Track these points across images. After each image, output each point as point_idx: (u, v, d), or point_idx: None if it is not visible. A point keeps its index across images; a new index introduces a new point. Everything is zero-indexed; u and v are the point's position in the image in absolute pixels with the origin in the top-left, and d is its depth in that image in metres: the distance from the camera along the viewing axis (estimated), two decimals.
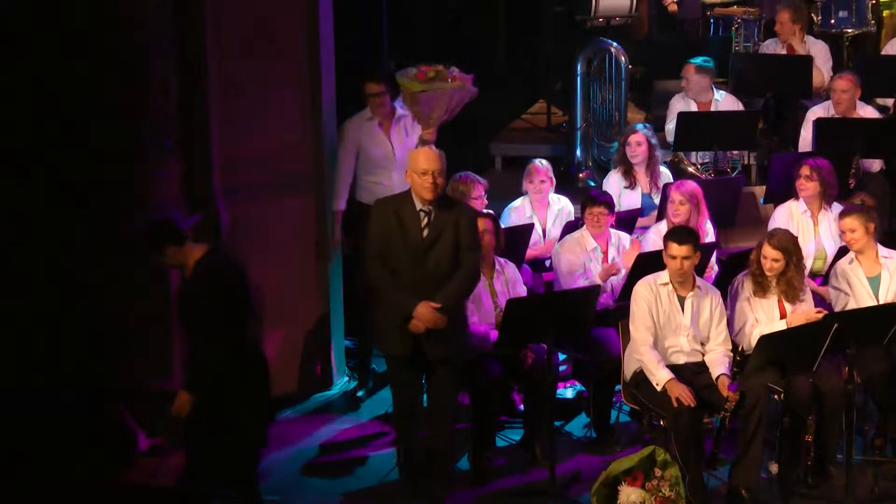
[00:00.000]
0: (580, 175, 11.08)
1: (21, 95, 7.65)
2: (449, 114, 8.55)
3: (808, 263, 8.58)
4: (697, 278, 7.80)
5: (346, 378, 9.36)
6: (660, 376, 7.53)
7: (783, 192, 9.14)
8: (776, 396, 7.55)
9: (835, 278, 8.12)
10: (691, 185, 8.70)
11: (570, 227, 9.02)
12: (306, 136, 8.91)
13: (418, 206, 7.25)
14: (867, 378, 7.79)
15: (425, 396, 7.57)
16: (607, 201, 8.62)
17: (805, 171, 8.84)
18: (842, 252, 8.44)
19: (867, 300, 7.96)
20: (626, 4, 11.39)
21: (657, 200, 9.33)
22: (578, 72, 11.04)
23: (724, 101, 10.50)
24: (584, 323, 7.81)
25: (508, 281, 8.23)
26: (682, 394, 7.41)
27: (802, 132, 10.19)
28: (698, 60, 10.41)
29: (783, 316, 7.83)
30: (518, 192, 9.44)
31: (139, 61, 7.88)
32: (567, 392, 8.98)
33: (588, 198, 8.67)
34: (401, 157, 8.80)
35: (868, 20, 11.69)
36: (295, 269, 8.90)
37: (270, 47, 8.64)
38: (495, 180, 10.58)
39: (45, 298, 7.75)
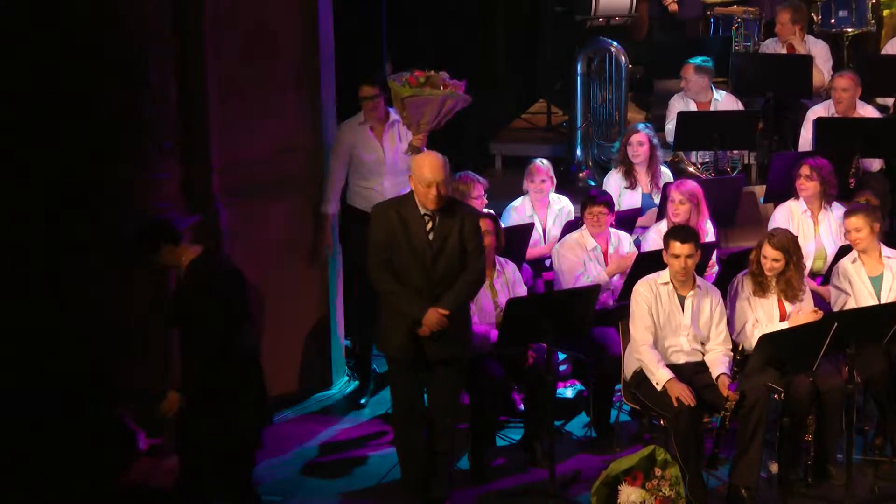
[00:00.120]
0: (580, 175, 11.08)
1: (21, 95, 7.65)
2: (439, 121, 8.44)
3: (808, 263, 8.59)
4: (697, 278, 7.80)
5: (347, 378, 9.36)
6: (660, 376, 7.54)
7: (783, 191, 9.14)
8: (776, 396, 7.54)
9: (836, 277, 8.11)
10: (691, 184, 8.70)
11: (570, 227, 9.02)
12: (306, 137, 8.91)
13: (422, 210, 7.24)
14: (867, 378, 7.79)
15: (425, 396, 7.57)
16: (607, 201, 8.62)
17: (805, 170, 8.84)
18: (842, 251, 8.44)
19: (868, 300, 7.96)
20: (626, 4, 11.37)
21: (657, 200, 9.33)
22: (578, 71, 11.03)
23: (723, 100, 10.51)
24: (583, 323, 7.81)
25: (508, 281, 8.23)
26: (683, 393, 7.41)
27: (802, 132, 10.20)
28: (697, 60, 10.42)
29: (783, 315, 7.83)
30: (518, 192, 9.45)
31: (139, 62, 7.88)
32: (567, 392, 8.99)
33: (588, 197, 8.67)
34: (392, 162, 8.76)
35: (868, 20, 11.70)
36: (294, 270, 8.90)
37: (270, 49, 8.65)
38: (495, 180, 10.60)
39: (45, 299, 7.75)
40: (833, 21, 11.65)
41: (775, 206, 9.16)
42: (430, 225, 7.23)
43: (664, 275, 7.73)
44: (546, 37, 12.47)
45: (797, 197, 8.92)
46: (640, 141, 9.50)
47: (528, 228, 8.99)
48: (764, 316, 7.84)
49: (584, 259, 8.52)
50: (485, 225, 7.89)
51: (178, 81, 8.16)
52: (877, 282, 8.02)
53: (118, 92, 7.81)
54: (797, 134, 10.34)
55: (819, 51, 11.02)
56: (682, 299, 7.71)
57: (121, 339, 7.85)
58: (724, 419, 7.46)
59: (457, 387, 7.55)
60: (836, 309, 7.96)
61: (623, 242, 8.69)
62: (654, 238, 8.64)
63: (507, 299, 7.81)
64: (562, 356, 8.77)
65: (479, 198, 8.87)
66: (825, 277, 8.63)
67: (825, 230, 8.89)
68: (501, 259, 8.29)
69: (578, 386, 8.96)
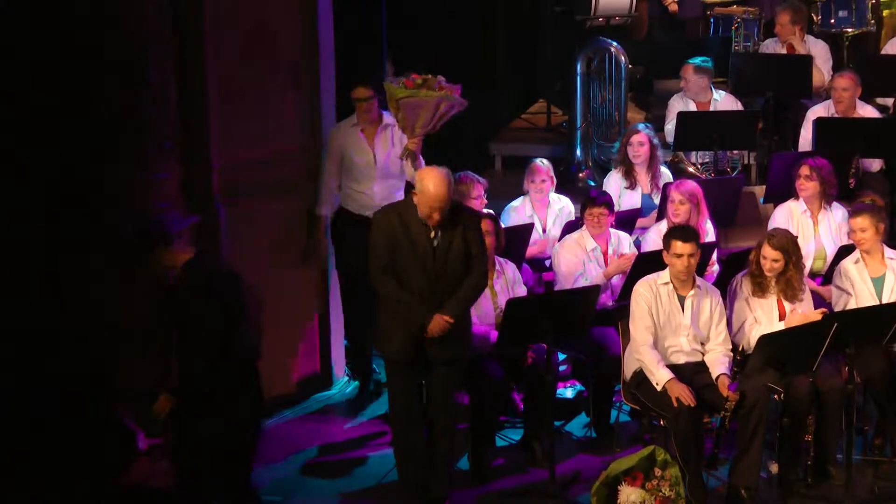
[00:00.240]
0: (580, 175, 11.08)
1: (21, 95, 7.64)
2: (433, 124, 8.38)
3: (808, 263, 8.59)
4: (697, 278, 7.80)
5: (346, 378, 9.36)
6: (660, 376, 7.54)
7: (783, 191, 9.14)
8: (776, 396, 7.54)
9: (838, 277, 8.11)
10: (691, 184, 8.70)
11: (570, 227, 9.02)
12: (305, 138, 8.91)
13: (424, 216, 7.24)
14: (867, 378, 7.79)
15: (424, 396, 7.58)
16: (607, 202, 8.62)
17: (805, 170, 8.84)
18: (842, 252, 8.45)
19: (869, 301, 7.95)
20: (625, 4, 11.38)
21: (657, 201, 9.33)
22: (578, 72, 11.03)
23: (722, 100, 10.51)
24: (583, 323, 7.81)
25: (508, 281, 8.23)
26: (682, 394, 7.41)
27: (802, 132, 10.20)
28: (697, 61, 10.42)
29: (782, 315, 7.83)
30: (518, 192, 9.45)
31: (139, 62, 7.88)
32: (567, 392, 8.99)
33: (588, 198, 8.67)
34: (383, 166, 8.71)
35: (868, 20, 11.70)
36: (294, 270, 8.90)
37: (270, 49, 8.65)
38: (495, 180, 10.60)
39: (45, 299, 7.75)
40: (833, 21, 11.65)
41: (775, 206, 9.16)
42: (433, 232, 7.23)
43: (664, 275, 7.73)
44: (546, 37, 12.47)
45: (797, 197, 8.92)
46: (640, 141, 9.50)
47: (527, 229, 8.99)
48: (763, 316, 7.84)
49: (584, 260, 8.52)
50: (485, 225, 7.88)
51: (178, 81, 8.16)
52: (879, 283, 8.02)
53: (118, 92, 7.80)
54: (797, 134, 10.34)
55: (819, 51, 11.02)
56: (682, 299, 7.71)
57: (121, 339, 7.85)
58: (724, 419, 7.46)
59: (456, 387, 7.56)
60: (837, 309, 7.95)
61: (623, 243, 8.69)
62: (653, 238, 8.64)
63: (506, 300, 7.81)
64: (561, 356, 8.77)
65: (478, 198, 8.87)
66: (825, 277, 8.63)
67: (825, 230, 8.89)
68: (501, 259, 8.29)
69: (578, 386, 8.96)
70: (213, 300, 7.14)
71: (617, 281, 8.49)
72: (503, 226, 8.64)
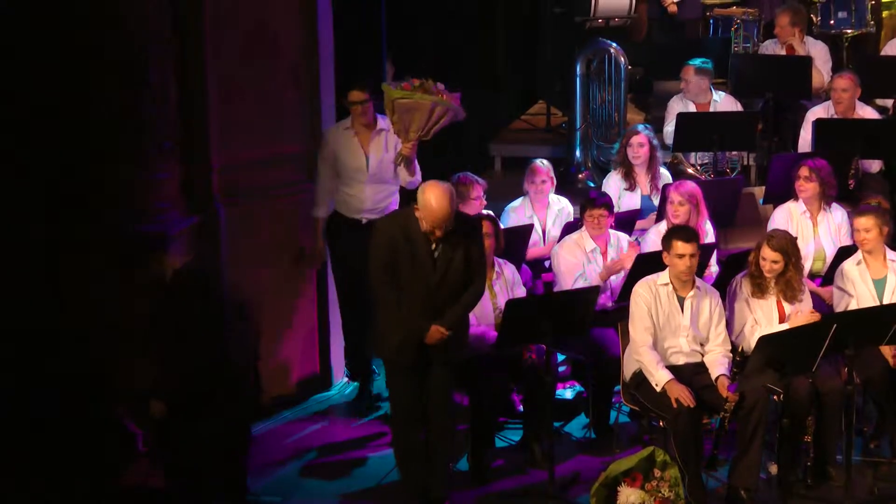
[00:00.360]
0: (579, 176, 11.08)
1: (21, 95, 7.64)
2: (428, 130, 8.29)
3: (808, 264, 8.59)
4: (697, 279, 7.80)
5: (345, 379, 9.36)
6: (659, 377, 7.54)
7: (783, 192, 9.14)
8: (775, 397, 7.55)
9: (840, 278, 8.11)
10: (690, 185, 8.70)
11: (569, 228, 9.02)
12: (305, 138, 8.90)
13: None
14: (866, 379, 7.79)
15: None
16: (607, 203, 8.62)
17: (804, 171, 8.84)
18: (842, 252, 8.45)
19: (870, 302, 7.96)
20: (625, 5, 11.38)
21: (657, 202, 9.33)
22: (578, 73, 11.03)
23: (722, 101, 10.51)
24: (583, 324, 7.81)
25: (507, 282, 8.23)
26: (682, 394, 7.41)
27: (802, 133, 10.20)
28: (697, 62, 10.42)
29: (782, 317, 7.83)
30: (517, 193, 9.45)
31: (139, 62, 7.87)
32: (566, 393, 8.99)
33: (588, 200, 8.67)
34: (375, 171, 8.64)
35: (867, 21, 11.71)
36: (294, 271, 8.90)
37: (270, 49, 8.65)
38: (494, 181, 10.60)
39: (45, 299, 7.75)
40: (832, 22, 11.66)
41: (774, 207, 9.16)
42: (434, 244, 7.21)
43: (664, 276, 7.73)
44: (546, 38, 12.46)
45: (796, 198, 8.92)
46: (640, 142, 9.50)
47: (527, 230, 8.99)
48: (763, 317, 7.84)
49: (584, 261, 8.52)
50: (485, 227, 7.88)
51: (178, 81, 8.16)
52: (880, 284, 8.02)
53: (118, 92, 7.80)
54: (796, 135, 10.34)
55: (818, 52, 11.03)
56: (681, 300, 7.71)
57: (121, 339, 7.85)
58: (724, 420, 7.47)
59: (452, 386, 7.54)
60: (838, 310, 7.95)
61: (622, 244, 8.69)
62: (653, 239, 8.64)
63: (506, 300, 7.81)
64: (561, 357, 8.77)
65: (478, 199, 8.87)
66: (824, 278, 8.63)
67: (824, 231, 8.89)
68: (500, 260, 8.28)
69: (578, 387, 8.96)
70: (203, 306, 7.16)
71: (616, 282, 8.50)
72: (503, 226, 8.64)
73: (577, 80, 11.05)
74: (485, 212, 8.72)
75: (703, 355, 7.75)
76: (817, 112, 10.13)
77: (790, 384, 7.46)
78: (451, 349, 7.33)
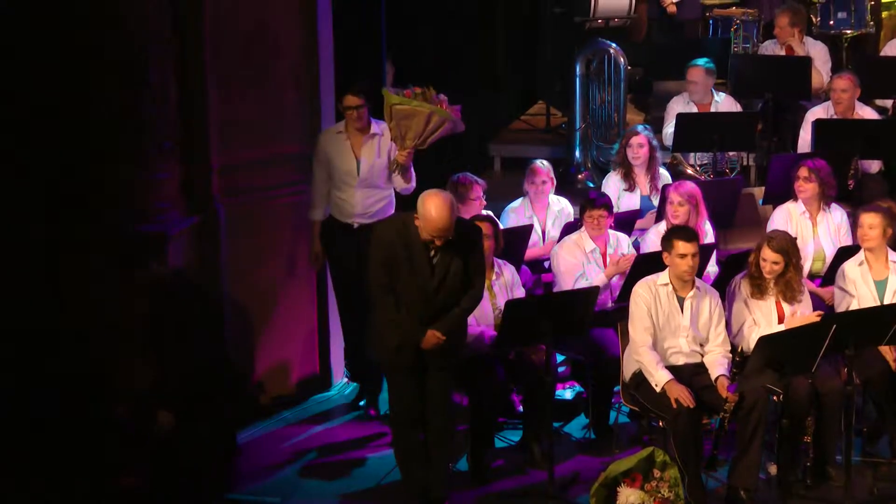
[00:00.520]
0: (579, 176, 11.08)
1: (21, 95, 7.64)
2: (424, 139, 8.25)
3: (807, 265, 8.59)
4: (696, 279, 7.80)
5: (345, 380, 9.36)
6: (659, 377, 7.54)
7: (782, 193, 9.14)
8: (775, 398, 7.55)
9: (841, 279, 8.11)
10: (690, 185, 8.70)
11: (569, 228, 9.02)
12: (305, 138, 8.90)
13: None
14: (866, 379, 7.79)
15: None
16: (606, 203, 8.62)
17: (803, 172, 8.84)
18: (841, 253, 8.45)
19: (871, 304, 7.95)
20: (625, 5, 11.38)
21: (656, 202, 9.33)
22: (577, 73, 11.03)
23: (723, 102, 10.50)
24: (583, 324, 7.81)
25: (507, 283, 8.22)
26: (682, 395, 7.42)
27: (801, 133, 10.20)
28: (702, 62, 10.37)
29: (781, 317, 7.83)
30: (517, 193, 9.45)
31: (139, 62, 7.88)
32: (566, 393, 8.99)
33: (587, 200, 8.67)
34: (366, 176, 8.58)
35: (867, 21, 11.71)
36: (294, 271, 8.90)
37: (270, 49, 8.65)
38: (494, 181, 10.60)
39: (45, 299, 7.75)
40: (832, 22, 11.65)
41: (774, 207, 9.16)
42: (433, 252, 7.19)
43: (663, 276, 7.74)
44: (545, 38, 12.46)
45: (796, 198, 8.92)
46: (639, 143, 9.50)
47: (527, 230, 8.99)
48: (762, 318, 7.84)
49: (583, 261, 8.52)
50: (484, 228, 7.86)
51: (178, 81, 8.16)
52: (881, 286, 8.02)
53: (118, 92, 7.80)
54: (796, 135, 10.34)
55: (818, 52, 11.03)
56: (681, 300, 7.71)
57: (121, 339, 7.85)
58: (723, 420, 7.47)
59: (450, 386, 7.54)
60: (839, 311, 7.95)
61: (622, 244, 8.69)
62: (653, 240, 8.64)
63: (505, 301, 7.81)
64: (561, 357, 8.77)
65: (477, 199, 8.86)
66: (824, 279, 8.64)
67: (824, 232, 8.89)
68: (500, 261, 8.28)
69: (577, 387, 8.96)
70: (209, 303, 7.17)
71: (616, 282, 8.50)
72: (502, 227, 8.64)
73: (577, 80, 11.05)
74: (484, 212, 8.72)
75: (702, 356, 7.76)
76: (817, 112, 10.13)
77: (790, 384, 7.46)
78: (447, 354, 7.32)
